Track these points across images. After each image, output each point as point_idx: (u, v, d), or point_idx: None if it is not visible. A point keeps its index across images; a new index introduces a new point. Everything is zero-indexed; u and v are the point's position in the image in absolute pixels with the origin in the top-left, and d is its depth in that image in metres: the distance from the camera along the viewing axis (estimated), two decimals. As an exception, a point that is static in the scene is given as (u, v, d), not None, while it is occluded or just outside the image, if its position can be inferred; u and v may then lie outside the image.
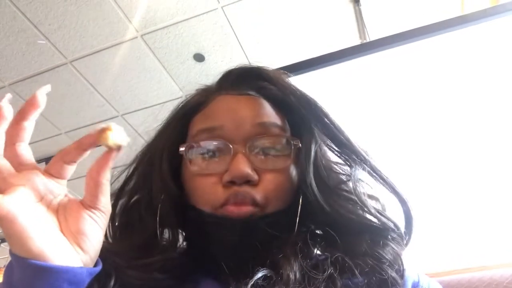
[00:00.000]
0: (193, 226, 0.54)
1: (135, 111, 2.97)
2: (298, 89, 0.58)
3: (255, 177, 0.51)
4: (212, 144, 0.54)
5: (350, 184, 0.55)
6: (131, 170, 0.61)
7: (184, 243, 0.58)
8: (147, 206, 0.56)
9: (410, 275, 0.54)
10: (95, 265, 0.43)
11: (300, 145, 0.56)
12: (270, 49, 2.60)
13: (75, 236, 0.41)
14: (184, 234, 0.58)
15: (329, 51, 1.48)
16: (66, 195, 0.44)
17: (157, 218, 0.53)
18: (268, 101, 0.59)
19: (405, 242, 0.55)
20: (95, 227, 0.43)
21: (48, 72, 2.72)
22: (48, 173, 0.43)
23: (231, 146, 0.53)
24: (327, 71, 1.45)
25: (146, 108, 2.95)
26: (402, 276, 0.49)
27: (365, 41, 2.47)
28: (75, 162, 0.44)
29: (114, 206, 0.58)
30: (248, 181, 0.51)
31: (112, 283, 0.46)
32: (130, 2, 2.34)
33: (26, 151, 0.42)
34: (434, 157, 1.44)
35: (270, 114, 0.57)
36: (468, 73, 1.32)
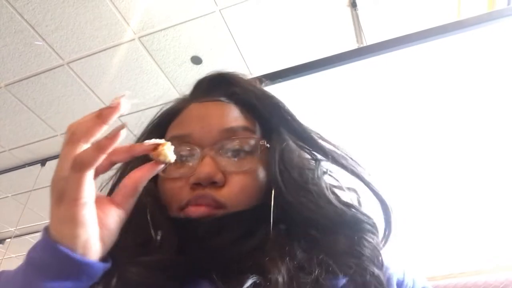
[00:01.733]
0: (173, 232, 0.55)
1: (131, 113, 2.95)
2: (263, 92, 0.61)
3: (219, 177, 0.53)
4: (181, 150, 0.56)
5: (319, 179, 0.56)
6: (115, 179, 0.61)
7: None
8: (139, 211, 0.56)
9: (395, 272, 0.54)
10: (107, 260, 0.45)
11: (268, 145, 0.57)
12: (267, 52, 2.61)
13: (102, 230, 0.44)
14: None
15: (327, 55, 1.48)
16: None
17: (149, 222, 0.53)
18: (237, 105, 0.61)
19: (385, 234, 0.56)
20: (118, 224, 0.46)
21: (44, 73, 2.71)
22: None
23: (198, 150, 0.55)
24: (324, 74, 1.45)
25: (142, 110, 2.94)
26: (381, 269, 0.50)
27: (362, 45, 2.48)
28: (116, 163, 0.47)
29: None
30: (214, 183, 0.52)
31: (114, 280, 0.47)
32: (128, 4, 2.34)
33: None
34: (430, 161, 1.44)
35: (238, 118, 0.59)
36: (464, 77, 1.33)
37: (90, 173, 0.41)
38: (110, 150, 0.42)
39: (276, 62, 2.62)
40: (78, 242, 0.41)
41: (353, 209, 0.55)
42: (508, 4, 2.05)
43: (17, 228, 4.04)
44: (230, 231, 0.51)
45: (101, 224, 0.44)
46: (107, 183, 0.60)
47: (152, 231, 0.53)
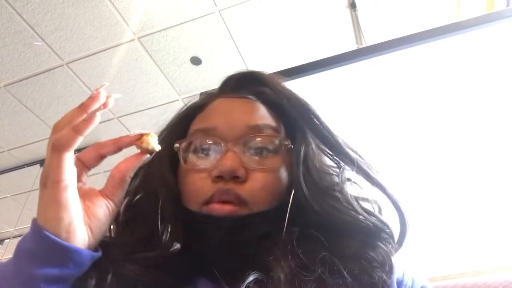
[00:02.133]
0: (185, 226, 0.55)
1: (131, 113, 2.96)
2: (292, 93, 0.61)
3: (241, 172, 0.53)
4: (205, 142, 0.56)
5: (342, 185, 0.57)
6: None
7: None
8: (150, 203, 0.57)
9: (395, 271, 0.54)
10: (97, 251, 0.47)
11: (292, 146, 0.57)
12: (267, 53, 2.61)
13: (90, 219, 0.46)
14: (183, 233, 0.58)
15: (326, 56, 1.48)
16: (84, 183, 0.49)
17: (159, 214, 0.54)
18: (264, 104, 0.61)
19: (398, 243, 0.56)
20: (107, 215, 0.48)
21: (44, 73, 2.71)
22: (79, 160, 0.48)
23: (222, 144, 0.55)
24: (324, 75, 1.45)
25: (142, 110, 2.95)
26: (390, 276, 0.50)
27: (361, 46, 2.48)
28: (105, 156, 0.48)
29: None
30: (235, 177, 0.52)
31: (110, 276, 0.47)
32: (128, 5, 2.34)
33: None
34: (429, 161, 1.45)
35: (263, 116, 0.59)
36: (463, 78, 1.33)
37: (69, 155, 0.43)
38: (86, 131, 0.44)
39: (276, 63, 2.62)
40: (61, 225, 0.42)
41: (373, 217, 0.55)
42: (507, 5, 2.06)
43: (16, 228, 4.03)
44: (252, 230, 0.51)
45: (90, 213, 0.46)
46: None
47: (159, 224, 0.53)
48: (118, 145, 0.49)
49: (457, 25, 1.35)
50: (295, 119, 0.59)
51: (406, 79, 1.39)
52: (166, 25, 2.45)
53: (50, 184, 0.43)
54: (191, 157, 0.56)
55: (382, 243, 0.53)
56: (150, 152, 0.49)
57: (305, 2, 2.33)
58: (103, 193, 0.48)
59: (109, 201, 0.48)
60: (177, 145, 0.58)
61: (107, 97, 0.50)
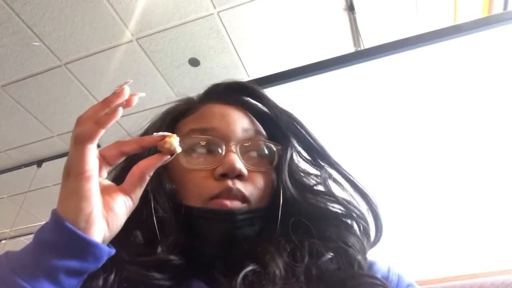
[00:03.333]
0: (184, 224, 0.56)
1: (128, 114, 2.95)
2: (276, 104, 0.66)
3: (246, 172, 0.57)
4: (205, 141, 0.59)
5: (320, 185, 0.62)
6: (121, 169, 0.62)
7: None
8: (146, 205, 0.57)
9: (381, 268, 0.57)
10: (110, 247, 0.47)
11: (281, 150, 0.63)
12: (265, 55, 2.61)
13: (108, 213, 0.46)
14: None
15: (324, 58, 1.49)
16: (106, 178, 0.50)
17: (154, 218, 0.55)
18: (254, 115, 0.66)
19: (374, 238, 0.60)
20: (125, 211, 0.48)
21: (42, 74, 2.70)
22: (102, 156, 0.49)
23: (223, 144, 0.58)
24: (321, 78, 1.45)
25: (139, 111, 2.94)
26: (365, 257, 0.55)
27: (359, 49, 2.49)
28: (127, 154, 0.50)
29: None
30: (239, 176, 0.56)
31: (112, 276, 0.49)
32: (126, 6, 2.34)
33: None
34: (426, 164, 1.45)
35: (255, 123, 0.64)
36: (461, 80, 1.34)
37: (92, 147, 0.45)
38: (108, 125, 0.46)
39: (274, 64, 2.63)
40: (81, 215, 0.43)
41: (351, 206, 0.60)
42: (504, 9, 2.07)
43: (13, 229, 4.02)
44: (253, 224, 0.56)
45: (108, 207, 0.47)
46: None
47: (157, 230, 0.54)
48: (140, 144, 0.50)
49: (455, 28, 1.36)
50: (280, 128, 0.64)
51: (403, 81, 1.39)
52: (165, 26, 2.45)
53: (73, 175, 0.43)
54: (189, 155, 0.58)
55: (354, 227, 0.59)
56: (172, 153, 0.50)
57: (303, 5, 2.34)
58: (122, 189, 0.49)
59: (128, 197, 0.49)
60: None
61: (131, 95, 0.51)
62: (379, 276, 0.54)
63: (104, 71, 2.71)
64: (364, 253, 0.56)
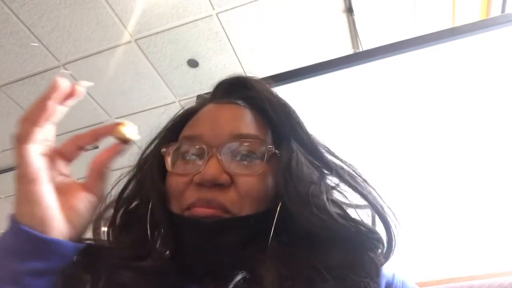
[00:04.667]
0: (172, 231, 0.55)
1: (127, 115, 2.95)
2: (278, 100, 0.61)
3: (224, 178, 0.52)
4: (190, 148, 0.57)
5: (321, 193, 0.55)
6: (130, 176, 0.62)
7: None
8: (144, 209, 0.57)
9: (385, 274, 0.55)
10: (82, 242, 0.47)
11: (277, 152, 0.57)
12: (264, 57, 2.61)
13: (69, 212, 0.46)
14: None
15: (323, 60, 1.49)
16: (68, 176, 0.50)
17: (148, 222, 0.54)
18: (253, 110, 0.61)
19: (385, 257, 0.55)
20: (88, 208, 0.48)
21: (40, 74, 2.70)
22: (59, 153, 0.48)
23: (206, 150, 0.55)
24: (320, 79, 1.45)
25: (138, 112, 2.94)
26: (375, 281, 0.50)
27: (358, 51, 2.49)
28: (84, 148, 0.49)
29: (116, 209, 0.60)
30: (219, 185, 0.52)
31: (103, 281, 0.47)
32: (125, 7, 2.34)
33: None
34: (424, 166, 1.45)
35: (249, 124, 0.59)
36: (459, 82, 1.34)
37: (31, 148, 0.44)
38: (44, 122, 0.45)
39: (272, 66, 2.63)
40: (35, 219, 0.43)
41: (360, 226, 0.54)
42: (502, 12, 2.08)
43: (10, 230, 4.00)
44: (234, 233, 0.51)
45: (68, 206, 0.47)
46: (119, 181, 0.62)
47: (149, 228, 0.53)
48: (94, 136, 0.50)
49: (453, 31, 1.37)
50: (280, 127, 0.59)
51: (401, 83, 1.40)
52: (164, 27, 2.45)
53: (18, 179, 0.43)
54: (176, 161, 0.57)
55: (370, 252, 0.52)
56: (126, 141, 0.50)
57: (302, 6, 2.34)
58: (84, 186, 0.49)
59: (90, 194, 0.49)
60: (163, 149, 0.58)
61: (74, 86, 0.48)
62: (383, 282, 0.53)
63: (102, 72, 2.71)
64: (376, 277, 0.50)
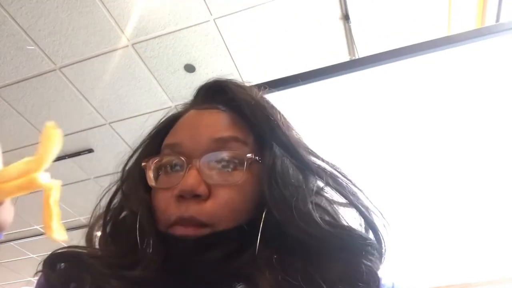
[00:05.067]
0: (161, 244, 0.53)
1: (123, 119, 2.95)
2: (257, 104, 0.58)
3: (202, 190, 0.51)
4: (170, 160, 0.55)
5: (305, 198, 0.53)
6: (116, 187, 0.61)
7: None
8: (132, 221, 0.55)
9: (384, 283, 0.53)
10: None
11: (258, 158, 0.54)
12: (260, 62, 2.62)
13: None
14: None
15: (319, 67, 1.50)
16: None
17: (137, 231, 0.53)
18: (233, 113, 0.59)
19: (378, 255, 0.53)
20: None
21: (36, 77, 2.69)
22: None
23: (185, 161, 0.53)
24: (316, 86, 1.46)
25: (134, 117, 2.94)
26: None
27: (354, 58, 2.51)
28: None
29: (105, 219, 0.59)
30: (197, 196, 0.51)
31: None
32: (122, 11, 2.34)
33: None
34: (419, 173, 1.46)
35: (229, 127, 0.56)
36: (454, 90, 1.35)
37: None
38: None
39: (269, 72, 2.64)
40: None
41: (347, 231, 0.52)
42: (497, 21, 2.10)
43: (4, 234, 3.96)
44: (215, 249, 0.49)
45: None
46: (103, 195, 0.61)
47: (139, 240, 0.52)
48: None
49: (448, 39, 1.38)
50: (258, 130, 0.56)
51: (397, 90, 1.41)
52: (161, 32, 2.45)
53: None
54: (161, 175, 0.55)
55: (365, 259, 0.50)
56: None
57: (299, 13, 2.36)
58: None
59: None
60: (144, 163, 0.57)
61: None
62: None
63: (99, 76, 2.70)
64: (372, 286, 0.48)
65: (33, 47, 2.49)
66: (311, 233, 0.49)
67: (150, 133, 0.64)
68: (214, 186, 0.52)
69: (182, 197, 0.51)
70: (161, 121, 0.65)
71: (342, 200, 0.55)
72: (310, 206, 0.51)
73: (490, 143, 1.30)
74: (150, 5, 2.31)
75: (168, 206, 0.52)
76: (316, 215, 0.51)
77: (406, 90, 1.39)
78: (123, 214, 0.59)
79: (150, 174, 0.55)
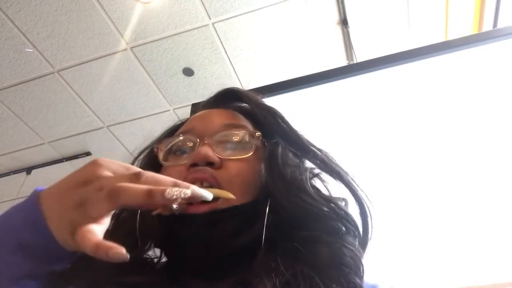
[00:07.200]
0: (166, 233, 0.54)
1: (121, 122, 2.95)
2: (265, 105, 0.66)
3: (216, 158, 0.55)
4: (182, 140, 0.60)
5: (301, 175, 0.58)
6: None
7: (164, 258, 0.58)
8: (132, 221, 0.55)
9: (368, 283, 0.54)
10: None
11: (264, 140, 0.61)
12: (258, 67, 2.63)
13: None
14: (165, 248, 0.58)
15: (317, 71, 1.50)
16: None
17: (137, 230, 0.53)
18: (242, 114, 0.66)
19: (361, 244, 0.56)
20: None
21: (34, 80, 2.69)
22: None
23: (197, 140, 0.58)
24: (314, 90, 1.46)
25: (132, 120, 2.93)
26: (362, 276, 0.50)
27: (352, 62, 2.52)
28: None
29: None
30: (210, 164, 0.54)
31: None
32: (122, 15, 2.34)
33: None
34: (419, 177, 1.46)
35: (239, 119, 0.64)
36: (451, 95, 1.36)
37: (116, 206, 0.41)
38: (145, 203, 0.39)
39: (267, 76, 2.65)
40: (63, 237, 0.42)
41: (338, 208, 0.56)
42: (494, 27, 2.12)
43: None
44: (226, 222, 0.52)
45: None
46: None
47: (139, 244, 0.52)
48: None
49: (446, 44, 1.39)
50: (264, 122, 0.63)
51: (394, 95, 1.41)
52: (160, 36, 2.46)
53: (86, 210, 0.42)
54: (170, 157, 0.59)
55: (346, 242, 0.53)
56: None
57: (298, 18, 2.37)
58: None
59: None
60: (156, 146, 0.61)
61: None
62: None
63: (97, 79, 2.70)
64: (359, 272, 0.51)
65: (31, 50, 2.49)
66: (305, 206, 0.54)
67: (163, 134, 0.68)
68: (225, 160, 0.56)
69: (195, 165, 0.54)
70: (175, 124, 0.70)
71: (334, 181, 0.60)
72: (303, 178, 0.57)
73: (489, 148, 1.30)
74: (149, 9, 2.32)
75: (180, 176, 0.54)
76: (309, 186, 0.57)
77: (403, 95, 1.40)
78: (123, 215, 0.59)
79: (160, 155, 0.60)
